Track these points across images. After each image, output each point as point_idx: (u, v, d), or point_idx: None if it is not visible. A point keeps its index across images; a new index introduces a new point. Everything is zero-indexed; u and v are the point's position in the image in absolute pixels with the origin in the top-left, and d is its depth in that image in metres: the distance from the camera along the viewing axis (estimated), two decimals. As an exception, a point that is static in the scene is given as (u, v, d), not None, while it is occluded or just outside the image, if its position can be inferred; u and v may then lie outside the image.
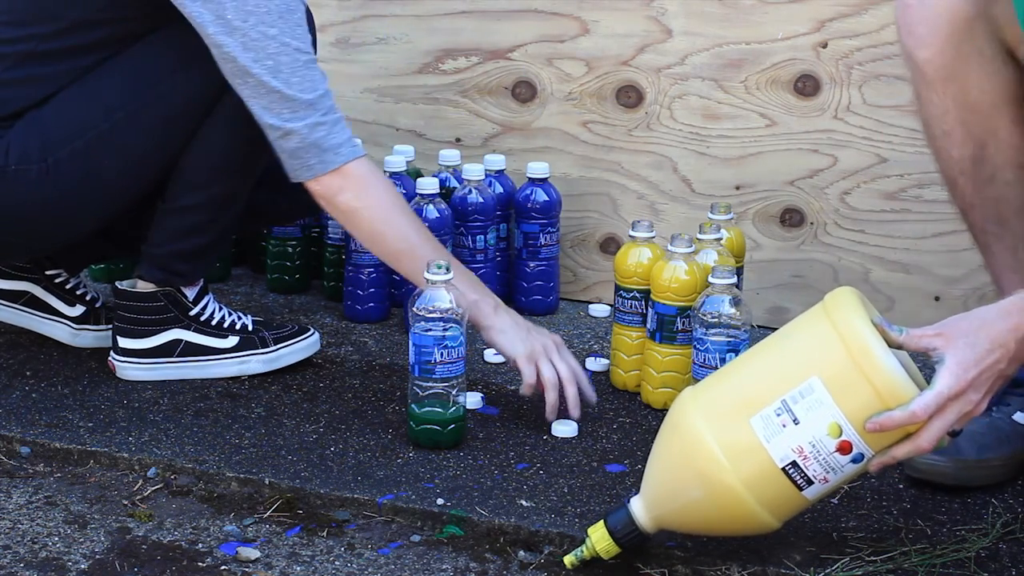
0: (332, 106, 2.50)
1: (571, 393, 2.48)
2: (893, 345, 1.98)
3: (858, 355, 1.95)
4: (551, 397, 2.47)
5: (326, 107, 2.48)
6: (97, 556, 2.18)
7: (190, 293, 2.70)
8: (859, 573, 2.11)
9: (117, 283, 2.72)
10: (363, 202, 2.51)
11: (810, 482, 1.99)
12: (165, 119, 2.53)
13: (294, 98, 2.45)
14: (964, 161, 2.30)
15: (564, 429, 2.50)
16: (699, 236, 2.63)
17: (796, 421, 1.97)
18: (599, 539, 2.10)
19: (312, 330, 2.77)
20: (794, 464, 1.98)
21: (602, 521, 2.11)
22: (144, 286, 2.69)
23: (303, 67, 2.46)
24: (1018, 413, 2.36)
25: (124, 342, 2.69)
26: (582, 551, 2.12)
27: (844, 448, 1.97)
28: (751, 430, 1.98)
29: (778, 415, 1.97)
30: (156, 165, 2.58)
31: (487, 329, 2.51)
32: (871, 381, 1.95)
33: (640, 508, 2.08)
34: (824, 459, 1.98)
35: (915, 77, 2.30)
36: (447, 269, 2.41)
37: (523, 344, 2.48)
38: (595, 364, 2.78)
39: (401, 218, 2.53)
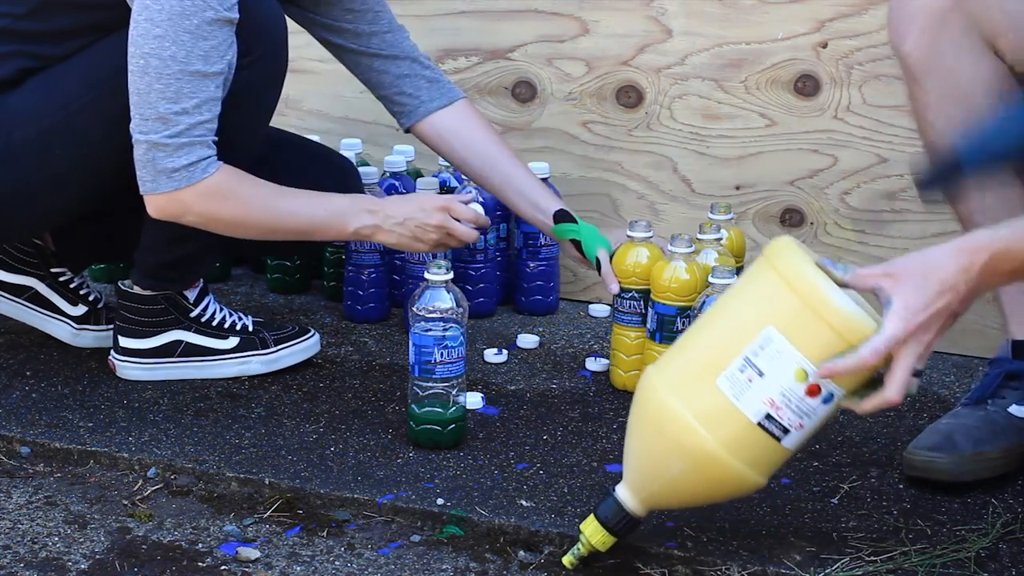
0: (187, 128, 2.39)
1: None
2: (839, 285, 1.97)
3: (808, 297, 1.95)
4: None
5: (179, 127, 2.39)
6: (97, 556, 2.18)
7: (191, 294, 2.70)
8: (859, 573, 2.11)
9: (120, 283, 2.72)
10: (210, 217, 2.46)
11: (786, 431, 2.00)
12: (119, 116, 2.49)
13: (149, 104, 2.38)
14: None
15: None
16: (699, 236, 2.63)
17: (761, 374, 1.97)
18: (593, 532, 2.10)
19: (312, 331, 2.77)
20: (768, 416, 1.99)
21: (592, 515, 2.11)
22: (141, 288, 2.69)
23: (172, 77, 2.37)
24: (1014, 406, 2.37)
25: (125, 341, 2.69)
26: (579, 549, 2.12)
27: (813, 391, 1.98)
28: (719, 392, 1.99)
29: (742, 371, 1.98)
30: (114, 162, 2.56)
31: (381, 243, 2.59)
32: (826, 321, 1.94)
33: (627, 494, 2.09)
34: (796, 405, 1.99)
35: (904, 72, 2.34)
36: (447, 269, 2.41)
37: (416, 241, 2.55)
38: (595, 364, 2.78)
39: (262, 210, 2.49)
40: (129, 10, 2.44)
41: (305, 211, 2.52)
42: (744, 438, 2.00)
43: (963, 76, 2.27)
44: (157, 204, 2.45)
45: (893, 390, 1.95)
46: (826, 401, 1.99)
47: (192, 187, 2.42)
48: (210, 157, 2.42)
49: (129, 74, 2.40)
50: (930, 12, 2.27)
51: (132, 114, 2.41)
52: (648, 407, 2.06)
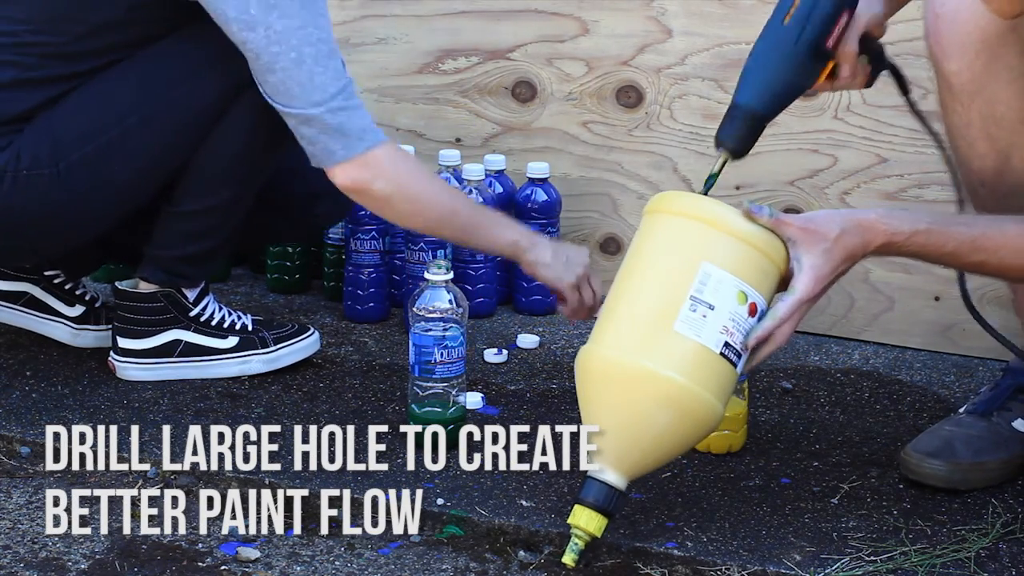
0: (353, 94, 2.49)
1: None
2: (765, 226, 2.11)
3: (728, 226, 2.09)
4: (589, 313, 2.60)
5: (348, 94, 2.47)
6: (97, 556, 2.18)
7: (190, 294, 2.70)
8: (859, 573, 2.11)
9: (117, 283, 2.72)
10: (400, 180, 2.52)
11: (739, 355, 2.10)
12: (177, 126, 2.52)
13: (317, 86, 2.44)
14: (985, 172, 2.28)
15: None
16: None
17: (711, 307, 2.08)
18: (590, 521, 2.10)
19: (312, 330, 2.77)
20: (726, 344, 2.08)
21: (579, 507, 2.11)
22: (145, 286, 2.69)
23: (326, 57, 2.45)
24: (1018, 420, 2.36)
25: (124, 342, 2.69)
26: (577, 544, 2.12)
27: (752, 310, 2.11)
28: (680, 335, 2.07)
29: (693, 311, 2.08)
30: (165, 170, 2.58)
31: (530, 264, 2.57)
32: (750, 243, 2.10)
33: (608, 471, 2.10)
34: (742, 327, 2.10)
35: (940, 85, 2.27)
36: (447, 269, 2.41)
37: (568, 273, 2.56)
38: (595, 364, 2.77)
39: (438, 185, 2.60)
40: (173, 21, 2.49)
41: (471, 205, 2.65)
42: (712, 371, 2.09)
43: (1013, 100, 2.22)
44: (347, 172, 2.49)
45: (782, 338, 2.12)
46: (760, 319, 2.11)
47: (383, 146, 2.50)
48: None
49: (277, 71, 2.44)
50: (986, 35, 2.20)
51: (295, 99, 2.45)
52: (611, 377, 2.10)
